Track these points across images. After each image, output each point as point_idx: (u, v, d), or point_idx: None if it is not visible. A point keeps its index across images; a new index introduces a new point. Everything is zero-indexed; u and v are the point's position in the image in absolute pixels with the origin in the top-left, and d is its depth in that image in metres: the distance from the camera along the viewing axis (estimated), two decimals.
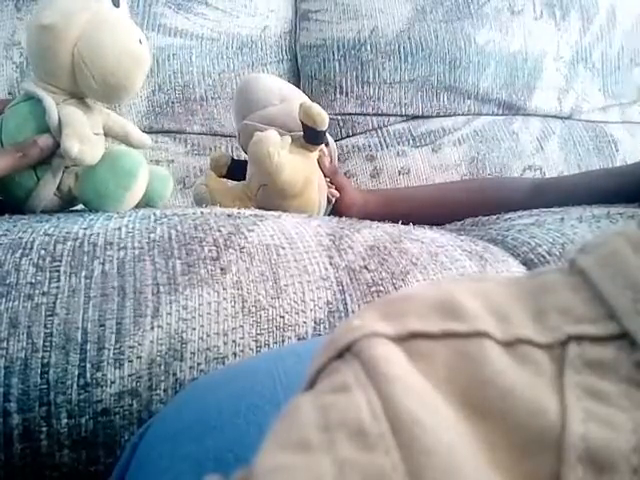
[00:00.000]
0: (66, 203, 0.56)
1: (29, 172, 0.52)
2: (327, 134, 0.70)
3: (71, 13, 0.50)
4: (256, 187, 0.67)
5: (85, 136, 0.51)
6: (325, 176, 0.71)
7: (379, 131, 1.00)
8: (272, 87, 0.71)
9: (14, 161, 0.50)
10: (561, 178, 0.88)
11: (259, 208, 0.63)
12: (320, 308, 0.42)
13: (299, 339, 0.41)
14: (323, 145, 0.70)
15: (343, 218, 0.57)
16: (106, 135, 0.57)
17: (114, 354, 0.37)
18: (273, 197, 0.65)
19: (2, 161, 0.49)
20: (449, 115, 1.02)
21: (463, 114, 1.02)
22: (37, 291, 0.39)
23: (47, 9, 0.51)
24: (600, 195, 0.67)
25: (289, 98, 0.70)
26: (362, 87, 0.98)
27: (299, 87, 1.00)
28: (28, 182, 0.52)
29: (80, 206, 0.57)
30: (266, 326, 0.40)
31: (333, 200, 0.73)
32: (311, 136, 0.65)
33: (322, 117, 0.63)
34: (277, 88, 0.71)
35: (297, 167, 0.64)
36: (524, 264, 0.53)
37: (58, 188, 0.54)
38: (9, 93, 0.90)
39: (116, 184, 0.53)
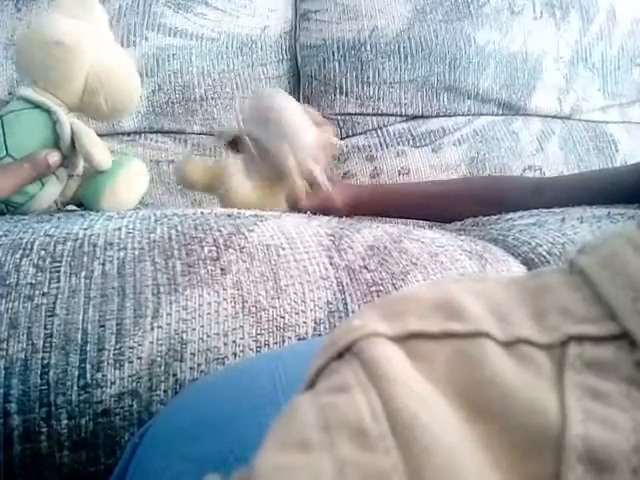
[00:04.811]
0: (61, 206, 0.57)
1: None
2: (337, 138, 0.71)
3: (86, 34, 0.52)
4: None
5: (100, 144, 0.54)
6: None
7: (379, 131, 1.00)
8: (271, 108, 0.70)
9: (28, 178, 0.51)
10: (560, 177, 0.88)
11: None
12: (320, 308, 0.42)
13: (299, 339, 0.41)
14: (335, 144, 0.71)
15: (343, 218, 0.57)
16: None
17: (114, 355, 0.37)
18: None
19: (19, 177, 0.51)
20: (449, 115, 1.02)
21: (463, 114, 1.02)
22: (37, 292, 0.39)
23: (55, 26, 0.52)
24: (599, 195, 0.67)
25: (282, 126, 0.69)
26: (362, 87, 0.98)
27: (299, 87, 1.01)
28: (33, 189, 0.53)
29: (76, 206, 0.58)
30: (266, 326, 0.40)
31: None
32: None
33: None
34: (276, 111, 0.70)
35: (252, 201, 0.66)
36: (524, 264, 0.53)
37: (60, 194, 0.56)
38: (9, 93, 0.90)
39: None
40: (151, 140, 0.95)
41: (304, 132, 0.68)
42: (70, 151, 0.53)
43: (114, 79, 0.53)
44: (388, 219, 0.76)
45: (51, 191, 0.54)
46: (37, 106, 0.52)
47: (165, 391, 0.38)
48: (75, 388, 0.36)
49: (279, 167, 0.67)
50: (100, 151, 0.53)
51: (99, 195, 0.54)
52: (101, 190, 0.54)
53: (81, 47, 0.51)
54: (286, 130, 0.68)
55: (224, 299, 0.40)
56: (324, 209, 0.71)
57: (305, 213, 0.69)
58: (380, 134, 1.00)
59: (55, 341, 0.37)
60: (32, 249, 0.41)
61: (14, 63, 0.89)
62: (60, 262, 0.40)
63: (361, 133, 1.00)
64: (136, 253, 0.42)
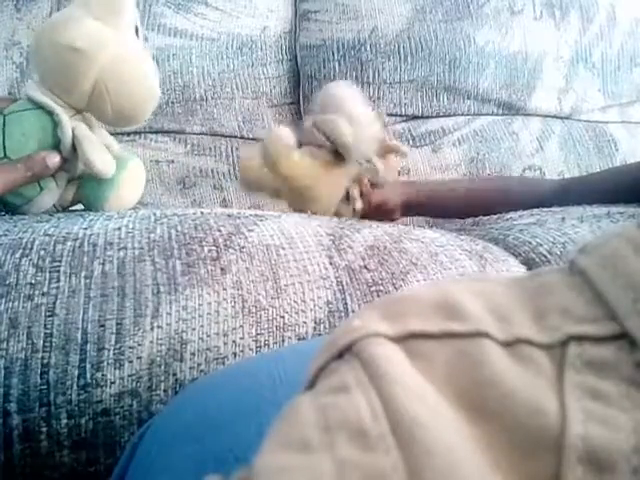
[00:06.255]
0: (61, 209, 0.57)
1: (32, 183, 0.52)
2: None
3: (102, 41, 0.51)
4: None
5: (103, 150, 0.53)
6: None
7: None
8: (334, 97, 0.71)
9: (22, 178, 0.50)
10: (586, 176, 0.88)
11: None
12: (320, 308, 0.42)
13: (299, 339, 0.41)
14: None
15: (343, 218, 0.57)
16: None
17: (114, 354, 0.37)
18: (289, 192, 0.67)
19: (10, 176, 0.50)
20: (449, 115, 1.02)
21: (463, 114, 1.02)
22: (37, 291, 0.38)
23: (73, 28, 0.50)
24: (627, 192, 0.66)
25: (344, 109, 0.69)
26: (362, 87, 0.98)
27: (299, 87, 1.01)
28: (31, 192, 0.53)
29: (79, 206, 0.58)
30: (266, 326, 0.40)
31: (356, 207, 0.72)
32: (332, 146, 0.66)
33: (339, 131, 0.64)
34: (339, 99, 0.70)
35: (302, 167, 0.64)
36: (525, 264, 0.53)
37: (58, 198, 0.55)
38: (9, 93, 0.90)
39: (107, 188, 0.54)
40: (151, 140, 0.95)
41: (365, 119, 0.68)
42: (71, 155, 0.53)
43: (122, 91, 0.52)
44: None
45: (49, 195, 0.54)
46: (40, 107, 0.52)
47: (165, 391, 0.38)
48: (75, 388, 0.36)
49: (340, 152, 0.66)
50: (102, 159, 0.52)
51: (103, 200, 0.54)
52: (106, 195, 0.53)
53: (93, 55, 0.50)
54: (348, 112, 0.67)
55: (224, 299, 0.40)
56: (378, 210, 0.71)
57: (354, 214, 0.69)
58: None
59: (55, 341, 0.37)
60: (32, 249, 0.41)
61: (21, 60, 0.89)
62: (60, 262, 0.40)
63: None
64: (136, 253, 0.42)
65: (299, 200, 0.66)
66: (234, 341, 0.39)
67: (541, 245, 0.54)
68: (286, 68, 1.00)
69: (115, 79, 0.51)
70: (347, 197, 0.70)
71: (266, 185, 0.69)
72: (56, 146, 0.52)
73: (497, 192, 0.78)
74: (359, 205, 0.70)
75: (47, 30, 0.52)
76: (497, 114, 1.04)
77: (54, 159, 0.51)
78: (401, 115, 1.01)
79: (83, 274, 0.40)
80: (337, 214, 0.67)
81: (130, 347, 0.37)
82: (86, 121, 0.54)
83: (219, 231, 0.45)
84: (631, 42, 1.08)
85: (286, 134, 0.63)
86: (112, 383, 0.37)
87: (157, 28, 0.94)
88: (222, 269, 0.42)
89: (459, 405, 0.14)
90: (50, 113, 0.52)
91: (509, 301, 0.17)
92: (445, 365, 0.15)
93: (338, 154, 0.66)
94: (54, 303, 0.38)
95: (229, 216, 0.48)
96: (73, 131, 0.52)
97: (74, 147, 0.52)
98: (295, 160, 0.63)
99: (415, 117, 1.01)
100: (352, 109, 0.69)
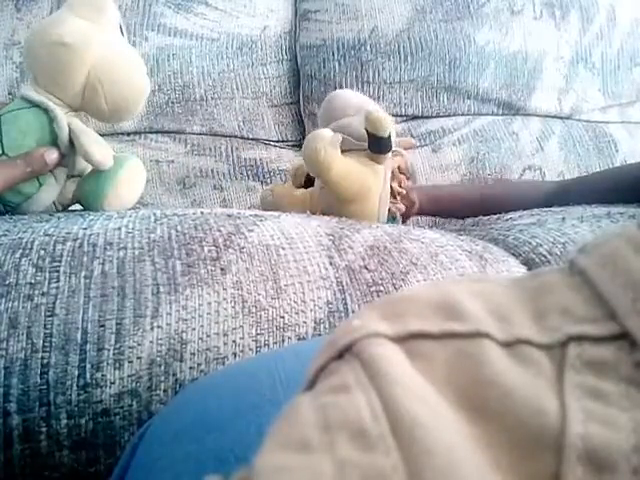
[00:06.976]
0: (61, 208, 0.57)
1: (31, 180, 0.52)
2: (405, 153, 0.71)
3: (91, 35, 0.52)
4: (317, 190, 0.67)
5: (101, 142, 0.53)
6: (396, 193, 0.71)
7: None
8: (350, 99, 0.71)
9: (21, 174, 0.50)
10: (586, 176, 0.88)
11: (322, 213, 0.62)
12: (320, 308, 0.42)
13: (299, 339, 0.41)
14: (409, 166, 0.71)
15: (343, 218, 0.57)
16: None
17: (114, 354, 0.37)
18: (329, 199, 0.64)
19: (10, 173, 0.50)
20: (449, 115, 1.02)
21: (463, 114, 1.02)
22: (37, 291, 0.38)
23: (61, 26, 0.51)
24: (627, 192, 0.66)
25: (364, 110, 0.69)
26: (362, 87, 0.98)
27: (299, 87, 1.01)
28: (29, 189, 0.53)
29: (79, 206, 0.58)
30: (266, 326, 0.40)
31: (398, 215, 0.70)
32: (374, 144, 0.63)
33: (382, 123, 0.62)
34: (355, 101, 0.71)
35: (352, 170, 0.62)
36: (525, 264, 0.53)
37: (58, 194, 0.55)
38: (9, 93, 0.90)
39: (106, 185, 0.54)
40: (151, 140, 0.95)
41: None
42: (69, 150, 0.53)
43: (115, 81, 0.52)
44: None
45: (49, 192, 0.54)
46: (36, 105, 0.52)
47: (165, 391, 0.38)
48: (75, 388, 0.36)
49: (374, 150, 0.64)
50: (100, 150, 0.52)
51: (101, 197, 0.54)
52: (104, 192, 0.53)
53: (83, 49, 0.51)
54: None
55: (224, 299, 0.40)
56: (408, 211, 0.72)
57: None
58: None
59: (55, 341, 0.37)
60: (32, 249, 0.41)
61: (21, 60, 0.89)
62: (60, 262, 0.40)
63: None
64: (136, 253, 0.42)
65: (348, 203, 0.63)
66: (234, 341, 0.39)
67: (541, 245, 0.54)
68: (286, 68, 1.00)
69: (107, 72, 0.52)
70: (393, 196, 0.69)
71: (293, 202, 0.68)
72: (53, 142, 0.52)
73: (497, 198, 0.79)
74: (402, 206, 0.70)
75: (37, 32, 0.53)
76: (497, 114, 1.04)
77: (52, 155, 0.51)
78: (401, 115, 1.01)
79: (83, 274, 0.40)
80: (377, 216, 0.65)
81: (130, 347, 0.37)
82: (79, 119, 0.54)
83: (219, 231, 0.45)
84: (631, 42, 1.08)
85: (330, 134, 0.61)
86: (112, 383, 0.37)
87: (157, 28, 0.94)
88: (222, 269, 0.42)
89: (459, 405, 0.14)
90: (45, 110, 0.52)
91: (509, 301, 0.17)
92: (445, 365, 0.15)
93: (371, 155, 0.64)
94: (54, 303, 0.38)
95: (229, 216, 0.48)
96: (69, 126, 0.52)
97: (71, 142, 0.52)
98: (345, 160, 0.61)
99: (415, 117, 1.01)
100: (370, 107, 0.68)
